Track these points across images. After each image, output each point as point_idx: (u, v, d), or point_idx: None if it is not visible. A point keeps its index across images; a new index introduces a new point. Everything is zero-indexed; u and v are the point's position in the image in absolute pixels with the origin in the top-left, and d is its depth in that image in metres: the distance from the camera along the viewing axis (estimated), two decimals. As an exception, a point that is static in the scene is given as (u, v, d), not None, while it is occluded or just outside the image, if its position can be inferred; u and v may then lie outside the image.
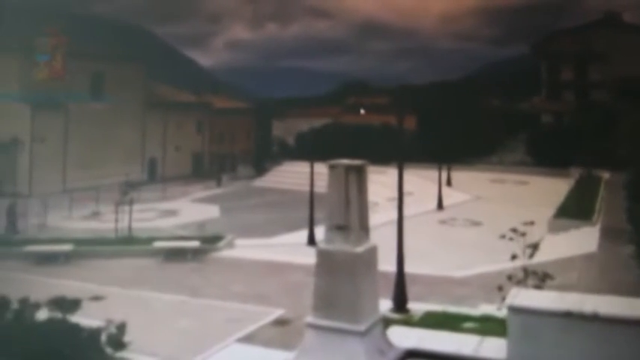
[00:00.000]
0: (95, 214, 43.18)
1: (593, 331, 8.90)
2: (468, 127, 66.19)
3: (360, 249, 10.61)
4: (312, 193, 31.85)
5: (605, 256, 24.32)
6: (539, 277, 13.70)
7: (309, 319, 10.67)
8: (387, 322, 12.47)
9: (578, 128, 61.54)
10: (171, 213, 45.79)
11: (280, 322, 16.88)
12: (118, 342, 10.81)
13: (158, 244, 27.72)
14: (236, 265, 25.70)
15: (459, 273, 23.23)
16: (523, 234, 14.73)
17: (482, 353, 10.86)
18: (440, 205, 42.19)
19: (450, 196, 45.10)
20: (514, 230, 14.74)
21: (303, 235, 31.61)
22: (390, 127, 61.87)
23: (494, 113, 78.88)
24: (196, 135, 78.77)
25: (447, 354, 11.05)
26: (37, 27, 60.39)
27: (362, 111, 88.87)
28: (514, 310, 9.46)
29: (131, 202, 31.49)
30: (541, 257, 22.56)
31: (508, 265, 15.78)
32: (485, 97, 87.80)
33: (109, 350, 10.82)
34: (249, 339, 15.49)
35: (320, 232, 28.75)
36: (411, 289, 17.73)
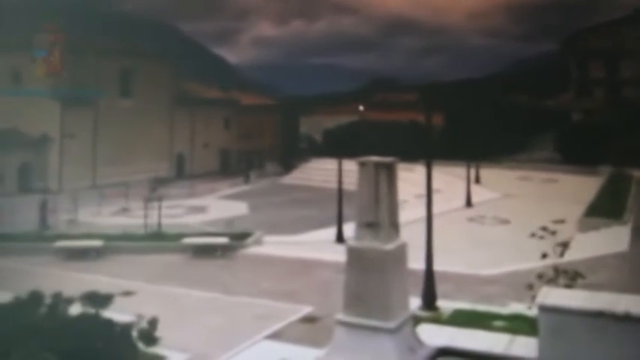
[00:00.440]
0: (124, 210, 43.48)
1: (625, 331, 8.82)
2: (496, 125, 65.72)
3: (390, 246, 10.62)
4: (340, 190, 31.83)
5: (637, 255, 24.00)
6: (570, 276, 13.60)
7: (340, 316, 10.70)
8: (416, 320, 12.48)
9: (608, 126, 60.84)
10: (200, 209, 45.98)
11: (309, 320, 16.91)
12: (149, 337, 10.92)
13: (187, 241, 27.83)
14: (264, 262, 25.76)
15: (487, 271, 23.10)
16: (553, 232, 14.64)
17: (513, 352, 10.84)
18: (468, 203, 41.99)
19: (479, 194, 44.85)
20: (544, 228, 14.65)
21: (331, 232, 31.60)
22: (417, 124, 61.60)
23: (523, 110, 78.21)
24: (224, 132, 78.97)
25: (478, 352, 11.02)
26: (67, 26, 60.81)
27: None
28: (545, 309, 9.39)
29: (160, 199, 31.68)
30: (571, 256, 22.37)
31: (537, 264, 15.72)
32: (513, 94, 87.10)
33: (140, 345, 10.92)
34: (278, 336, 15.55)
35: (348, 230, 28.84)
36: (439, 287, 17.70)
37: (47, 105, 57.74)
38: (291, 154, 78.96)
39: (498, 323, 14.22)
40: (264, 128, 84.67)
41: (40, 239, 29.93)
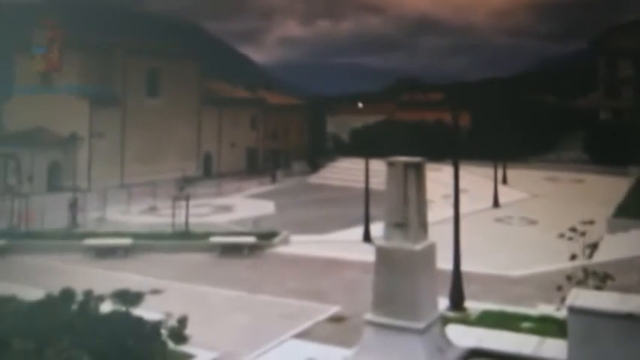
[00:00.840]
0: (152, 209, 43.81)
1: (656, 333, 8.76)
2: (523, 124, 65.34)
3: (418, 246, 10.61)
4: (367, 190, 31.81)
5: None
6: (600, 278, 13.45)
7: (368, 316, 10.70)
8: (444, 321, 12.43)
9: (637, 125, 60.24)
10: (227, 209, 46.19)
11: (336, 319, 16.92)
12: (179, 335, 10.99)
13: (214, 240, 27.97)
14: (291, 262, 25.83)
15: (515, 272, 22.97)
16: (583, 233, 14.49)
17: (542, 354, 10.77)
18: (496, 203, 41.81)
19: (506, 194, 44.62)
20: (573, 229, 14.51)
21: (358, 231, 31.61)
22: (444, 123, 61.45)
23: (550, 110, 77.72)
24: (250, 131, 79.26)
25: (508, 354, 10.97)
26: (94, 25, 61.27)
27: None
28: (575, 311, 9.32)
29: (187, 198, 31.86)
30: (600, 257, 22.09)
31: (566, 265, 15.57)
32: (540, 93, 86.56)
33: (170, 343, 11.00)
34: (305, 335, 15.58)
35: (376, 229, 28.83)
36: (467, 288, 17.64)
37: (76, 104, 58.36)
38: (317, 154, 79.04)
39: (527, 325, 14.14)
40: (291, 128, 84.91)
41: (69, 237, 30.23)
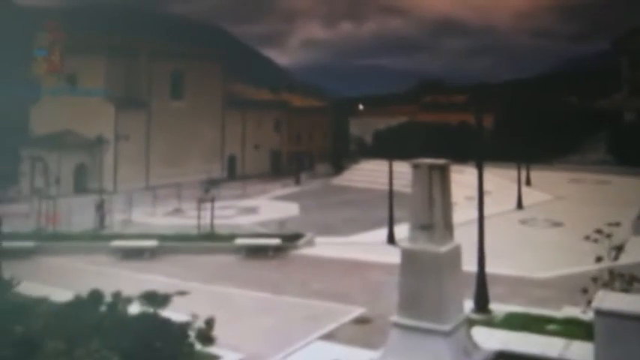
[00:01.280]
0: (177, 211, 44.02)
1: (685, 336, 8.72)
2: (546, 126, 64.95)
3: (444, 248, 10.64)
4: (391, 192, 31.81)
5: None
6: (626, 280, 13.40)
7: (394, 318, 10.74)
8: (469, 323, 12.45)
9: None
10: (251, 210, 46.32)
11: (361, 321, 16.96)
12: (206, 337, 11.09)
13: (240, 241, 28.09)
14: (316, 263, 25.90)
15: (540, 274, 22.86)
16: (608, 235, 14.44)
17: (569, 357, 10.76)
18: (519, 205, 41.58)
19: (530, 196, 44.36)
20: (599, 231, 14.47)
21: (382, 233, 31.60)
22: (467, 125, 61.27)
23: (573, 111, 77.16)
24: (274, 133, 79.47)
25: (534, 357, 10.96)
26: (119, 29, 61.84)
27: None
28: (601, 313, 9.29)
29: (213, 199, 32.04)
30: (626, 259, 22.01)
31: (591, 267, 15.54)
32: (564, 94, 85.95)
33: (197, 344, 11.10)
34: (330, 337, 15.62)
35: (400, 231, 28.82)
36: (491, 290, 17.59)
37: (101, 107, 58.86)
38: (341, 156, 79.07)
39: (552, 327, 14.10)
40: (314, 130, 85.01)
41: (96, 239, 30.51)
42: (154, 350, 10.31)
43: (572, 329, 13.37)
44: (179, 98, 67.13)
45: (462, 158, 42.64)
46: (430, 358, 9.97)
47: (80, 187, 56.69)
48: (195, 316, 11.26)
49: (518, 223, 36.70)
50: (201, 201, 32.28)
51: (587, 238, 14.43)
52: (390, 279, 20.08)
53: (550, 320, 14.85)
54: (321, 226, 36.14)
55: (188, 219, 36.40)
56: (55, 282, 19.65)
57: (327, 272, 24.09)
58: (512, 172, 44.79)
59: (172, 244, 28.25)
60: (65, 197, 43.37)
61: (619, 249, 14.73)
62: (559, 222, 36.24)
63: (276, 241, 28.05)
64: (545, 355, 10.99)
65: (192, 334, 11.08)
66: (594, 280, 13.10)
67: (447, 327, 10.17)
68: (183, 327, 11.06)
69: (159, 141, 62.75)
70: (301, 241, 29.12)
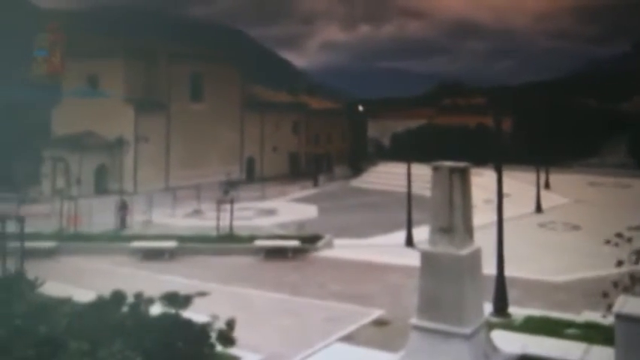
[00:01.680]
0: (197, 212, 44.26)
1: None
2: (566, 129, 64.70)
3: (464, 252, 10.65)
4: (409, 194, 31.83)
5: None
6: (648, 285, 13.33)
7: (414, 320, 10.76)
8: (488, 326, 12.44)
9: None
10: (270, 212, 46.47)
11: (380, 323, 16.96)
12: (227, 338, 11.13)
13: (259, 243, 28.19)
14: (335, 265, 25.92)
15: (559, 278, 22.79)
16: (629, 239, 14.36)
17: (590, 361, 10.72)
18: (538, 208, 41.47)
19: (549, 199, 44.21)
20: (619, 235, 14.39)
21: (400, 235, 31.62)
22: (485, 128, 61.19)
23: (593, 113, 76.80)
24: (292, 135, 79.68)
25: (555, 361, 10.93)
26: (139, 32, 62.27)
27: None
28: (622, 318, 9.19)
29: (232, 201, 32.17)
30: (647, 264, 21.95)
31: (611, 271, 15.44)
32: (584, 97, 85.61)
33: (218, 346, 11.16)
34: (349, 339, 15.63)
35: (418, 233, 28.84)
36: (510, 293, 17.57)
37: (121, 109, 59.30)
38: (359, 158, 79.14)
39: (572, 331, 14.05)
40: (333, 132, 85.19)
41: (116, 239, 30.72)
42: (175, 351, 10.38)
43: (592, 334, 13.31)
44: (198, 100, 67.48)
45: (480, 161, 42.58)
46: (450, 361, 9.99)
47: (101, 187, 57.16)
48: (215, 317, 11.29)
49: (537, 227, 36.61)
50: (220, 202, 32.40)
51: (607, 242, 14.34)
52: (408, 281, 20.14)
53: (570, 324, 14.80)
54: (339, 228, 36.18)
55: (207, 220, 36.56)
56: (77, 282, 19.79)
57: (346, 274, 24.12)
58: (531, 175, 44.66)
59: (192, 245, 28.39)
60: (86, 198, 43.75)
61: (639, 253, 14.64)
62: (578, 225, 36.10)
63: (294, 243, 28.10)
64: (566, 359, 10.96)
65: (213, 334, 11.12)
66: (615, 284, 13.03)
67: (467, 330, 10.17)
68: (205, 328, 11.10)
69: (178, 143, 63.13)
70: (320, 243, 29.14)
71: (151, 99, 62.65)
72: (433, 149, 44.91)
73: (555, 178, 51.81)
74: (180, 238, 29.15)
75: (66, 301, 11.53)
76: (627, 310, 9.31)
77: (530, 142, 57.22)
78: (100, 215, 36.92)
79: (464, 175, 11.16)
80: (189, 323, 11.03)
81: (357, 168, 74.27)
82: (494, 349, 10.90)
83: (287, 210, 47.61)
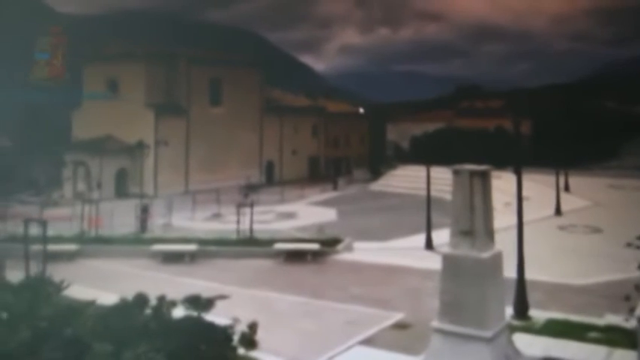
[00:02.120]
0: (216, 216, 44.38)
1: None
2: (585, 131, 64.33)
3: (485, 254, 10.67)
4: (428, 197, 31.79)
5: None
6: (671, 289, 13.24)
7: (436, 323, 10.79)
8: (509, 329, 12.43)
9: None
10: (290, 215, 46.53)
11: (400, 326, 16.98)
12: (250, 341, 11.17)
13: (279, 246, 28.29)
14: (355, 268, 25.94)
15: (580, 281, 22.70)
16: (651, 243, 14.28)
17: (612, 364, 10.69)
18: (558, 211, 41.21)
19: (568, 202, 43.91)
20: (641, 238, 14.31)
21: (420, 239, 31.56)
22: (504, 130, 60.98)
23: (612, 116, 76.32)
24: (312, 139, 79.75)
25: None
26: (159, 36, 62.65)
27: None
28: (646, 321, 9.24)
29: (252, 204, 32.27)
30: (669, 267, 21.79)
31: (632, 275, 15.38)
32: (603, 99, 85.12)
33: (241, 349, 11.21)
34: (370, 342, 15.67)
35: (437, 237, 28.78)
36: (531, 296, 17.53)
37: (142, 113, 59.66)
38: (378, 161, 79.11)
39: (593, 335, 14.01)
40: (352, 135, 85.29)
41: (137, 242, 30.88)
42: (198, 353, 10.43)
43: (615, 337, 13.26)
44: (218, 104, 67.71)
45: (499, 164, 42.37)
46: (472, 364, 9.99)
47: (121, 191, 57.54)
48: (235, 320, 11.34)
49: (557, 229, 36.39)
50: (240, 206, 32.50)
51: (628, 244, 14.28)
52: (428, 284, 20.16)
53: (591, 327, 14.76)
54: (359, 231, 36.14)
55: (227, 224, 36.65)
56: (98, 285, 19.93)
57: (366, 277, 24.14)
58: (551, 178, 44.38)
59: (212, 249, 28.52)
60: (107, 201, 44.02)
61: (660, 256, 14.56)
62: (598, 228, 35.84)
63: (314, 246, 28.17)
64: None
65: (235, 337, 11.17)
66: (637, 287, 12.98)
67: (488, 333, 10.19)
68: (227, 331, 11.15)
69: (198, 146, 63.40)
70: (340, 246, 29.20)
71: (170, 103, 62.99)
72: (452, 152, 44.77)
73: (575, 180, 51.47)
74: (201, 242, 29.26)
75: (90, 304, 11.62)
76: (650, 314, 9.30)
77: (549, 145, 56.93)
78: (121, 218, 37.14)
79: (484, 179, 11.18)
80: (211, 326, 11.08)
81: (376, 171, 74.20)
82: (516, 352, 10.91)
83: (306, 213, 47.61)
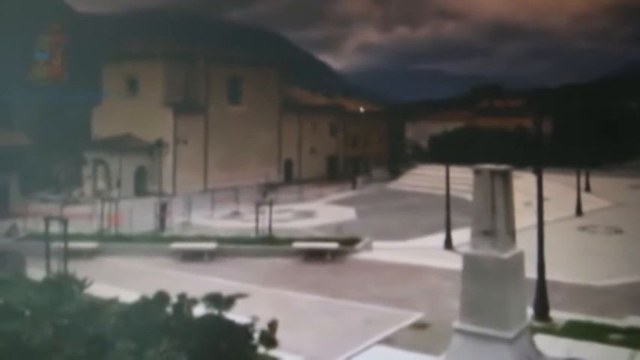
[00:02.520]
0: (235, 214, 44.48)
1: None
2: (606, 131, 63.85)
3: (507, 255, 10.61)
4: (448, 197, 31.68)
5: None
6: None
7: (457, 324, 10.74)
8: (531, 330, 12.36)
9: None
10: (308, 214, 46.54)
11: (419, 326, 16.94)
12: (270, 339, 11.19)
13: (298, 245, 28.31)
14: (373, 268, 25.90)
15: (601, 282, 22.51)
16: (673, 244, 14.20)
17: (634, 367, 10.62)
18: (579, 211, 40.92)
19: (589, 202, 43.57)
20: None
21: (439, 238, 31.45)
22: (524, 130, 60.63)
23: (634, 115, 75.70)
24: (330, 137, 79.70)
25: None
26: (178, 35, 62.86)
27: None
28: (669, 323, 9.17)
29: (271, 203, 32.32)
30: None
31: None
32: (624, 98, 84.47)
33: (261, 347, 11.23)
34: (389, 341, 15.64)
35: (457, 236, 28.68)
36: (551, 297, 17.43)
37: (161, 111, 59.91)
38: (397, 160, 78.96)
39: (615, 336, 13.92)
40: (370, 134, 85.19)
41: (156, 240, 31.02)
42: (219, 352, 10.45)
43: (636, 339, 13.17)
44: (237, 103, 67.86)
45: (519, 163, 42.12)
46: (493, 365, 9.95)
47: (140, 189, 57.84)
48: (255, 319, 11.36)
49: (578, 230, 36.14)
50: (258, 204, 32.56)
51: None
52: (447, 284, 20.10)
53: (613, 329, 14.65)
54: (377, 230, 36.09)
55: (246, 222, 36.74)
56: (118, 282, 20.03)
57: (385, 276, 24.10)
58: (571, 178, 44.11)
59: (231, 247, 28.57)
60: (126, 199, 44.23)
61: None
62: (620, 229, 35.55)
63: (333, 245, 28.15)
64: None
65: (255, 336, 11.19)
66: (659, 289, 12.89)
67: (510, 334, 10.13)
68: (247, 329, 11.17)
69: (217, 145, 63.56)
70: (359, 246, 29.14)
71: (189, 101, 63.19)
72: (471, 152, 44.61)
73: (596, 180, 51.09)
74: (220, 240, 29.33)
75: (113, 302, 11.68)
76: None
77: (570, 145, 56.55)
78: (140, 216, 37.29)
79: (505, 178, 11.12)
80: (232, 324, 11.09)
81: (395, 170, 74.06)
82: (538, 353, 10.85)
83: (325, 212, 47.61)
